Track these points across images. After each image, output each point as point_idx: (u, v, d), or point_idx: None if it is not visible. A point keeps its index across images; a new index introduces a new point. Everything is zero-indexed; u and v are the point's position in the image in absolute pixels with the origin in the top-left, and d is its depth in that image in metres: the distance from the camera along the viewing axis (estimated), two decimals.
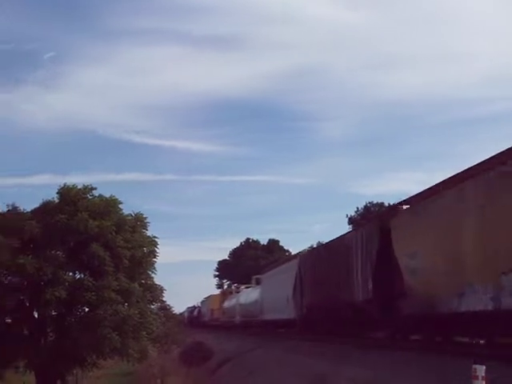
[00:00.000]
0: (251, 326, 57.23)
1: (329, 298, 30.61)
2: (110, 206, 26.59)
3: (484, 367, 9.38)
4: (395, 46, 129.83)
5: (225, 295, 79.47)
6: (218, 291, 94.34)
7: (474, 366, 9.41)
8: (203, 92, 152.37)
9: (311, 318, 34.86)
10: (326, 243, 37.17)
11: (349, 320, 28.52)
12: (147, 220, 27.82)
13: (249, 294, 61.24)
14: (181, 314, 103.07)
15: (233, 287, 78.53)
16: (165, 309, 31.86)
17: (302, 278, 36.68)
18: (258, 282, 59.79)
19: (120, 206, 27.10)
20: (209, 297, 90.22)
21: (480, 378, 9.31)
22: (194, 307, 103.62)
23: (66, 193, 26.38)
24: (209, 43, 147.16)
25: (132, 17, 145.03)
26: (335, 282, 29.39)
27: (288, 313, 40.23)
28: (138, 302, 25.91)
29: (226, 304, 74.35)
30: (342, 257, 28.83)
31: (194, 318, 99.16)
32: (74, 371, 28.50)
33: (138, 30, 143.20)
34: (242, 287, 71.09)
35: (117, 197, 27.17)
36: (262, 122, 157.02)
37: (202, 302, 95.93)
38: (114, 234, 25.65)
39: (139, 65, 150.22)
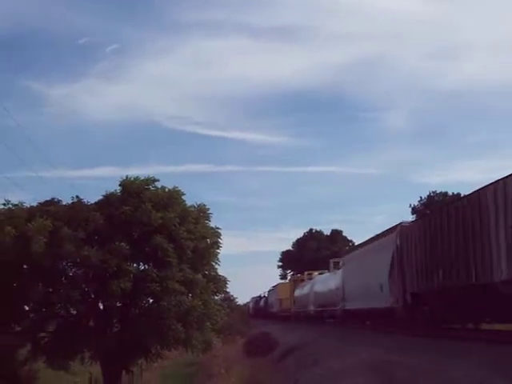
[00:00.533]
0: (331, 316, 51.89)
1: (449, 280, 24.41)
2: (173, 197, 26.61)
3: None
4: (457, 35, 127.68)
5: (296, 283, 73.12)
6: (281, 282, 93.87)
7: None
8: (267, 83, 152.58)
9: (418, 306, 29.00)
10: (443, 206, 30.30)
11: (481, 308, 22.78)
12: (210, 211, 27.83)
13: (326, 281, 55.10)
14: (245, 304, 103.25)
15: (305, 274, 70.74)
16: (228, 300, 31.91)
17: (404, 256, 30.75)
18: (336, 267, 53.82)
19: (183, 197, 27.10)
20: (277, 285, 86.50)
21: None
22: (260, 297, 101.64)
23: (128, 185, 26.48)
24: (272, 34, 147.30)
25: (196, 9, 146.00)
26: (459, 259, 23.27)
27: (381, 301, 33.96)
28: (201, 292, 25.92)
29: (298, 292, 68.72)
30: (471, 223, 22.33)
31: (261, 309, 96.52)
32: (139, 362, 28.71)
33: (201, 22, 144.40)
34: (316, 273, 65.70)
35: (180, 188, 27.17)
36: (325, 112, 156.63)
37: (270, 292, 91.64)
38: (177, 225, 25.67)
39: (203, 57, 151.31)
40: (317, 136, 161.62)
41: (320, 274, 63.34)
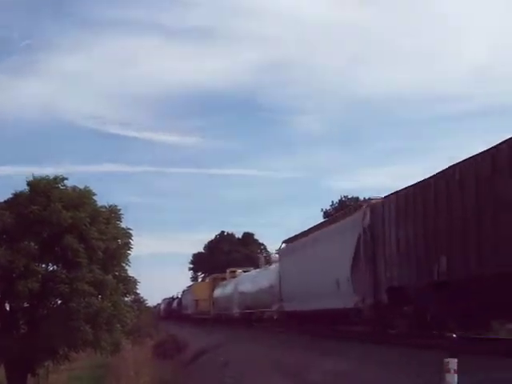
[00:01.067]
0: (261, 320, 46.36)
1: (459, 268, 18.17)
2: (83, 197, 26.30)
3: (456, 360, 9.38)
4: (375, 43, 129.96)
5: (215, 282, 66.42)
6: (191, 283, 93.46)
7: (446, 360, 9.41)
8: (182, 84, 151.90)
9: (398, 306, 22.69)
10: (440, 172, 19.80)
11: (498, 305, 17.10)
12: (122, 212, 27.61)
13: (254, 279, 48.46)
14: (155, 306, 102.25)
15: (227, 272, 63.79)
16: (138, 301, 31.72)
17: (379, 241, 23.85)
18: (269, 262, 48.75)
19: (94, 197, 26.82)
20: (192, 285, 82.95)
21: (452, 371, 9.32)
22: (173, 298, 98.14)
23: (35, 184, 26.02)
24: (188, 35, 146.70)
25: (113, 6, 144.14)
26: (475, 238, 17.13)
27: (338, 300, 27.61)
28: (111, 294, 25.69)
29: (218, 293, 62.44)
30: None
31: (174, 311, 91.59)
32: (46, 364, 28.20)
33: (118, 20, 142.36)
34: (239, 271, 60.10)
35: (91, 188, 26.89)
36: (240, 114, 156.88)
37: (184, 292, 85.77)
38: (88, 225, 25.38)
39: (119, 55, 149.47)
40: (232, 138, 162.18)
41: (245, 271, 57.99)
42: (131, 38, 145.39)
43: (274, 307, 40.21)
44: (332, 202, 75.47)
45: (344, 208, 63.46)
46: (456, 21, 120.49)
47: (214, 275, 70.31)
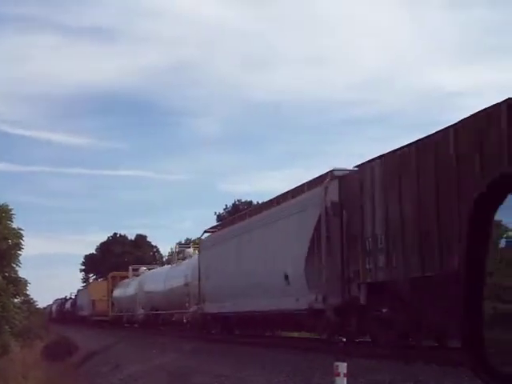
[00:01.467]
0: (170, 323, 40.82)
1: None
2: None
3: (346, 364, 9.74)
4: (273, 46, 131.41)
5: (114, 281, 60.34)
6: (82, 285, 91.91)
7: (336, 363, 9.76)
8: (78, 84, 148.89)
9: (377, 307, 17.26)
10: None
11: None
12: (13, 212, 27.29)
13: (164, 276, 42.12)
14: (45, 308, 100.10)
15: (130, 269, 57.98)
16: (28, 303, 31.36)
17: (352, 222, 18.21)
18: (186, 256, 41.38)
19: None
20: (89, 284, 78.67)
21: (342, 374, 9.64)
22: (65, 299, 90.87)
23: None
24: (86, 34, 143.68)
25: (10, 2, 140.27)
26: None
27: (285, 299, 21.52)
28: (0, 295, 25.39)
29: (118, 292, 56.35)
30: None
31: (67, 312, 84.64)
32: None
33: (15, 16, 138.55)
34: (143, 268, 55.81)
35: None
36: (136, 115, 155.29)
37: (79, 292, 79.37)
38: None
39: (14, 52, 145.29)
40: (127, 139, 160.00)
41: (149, 269, 54.33)
42: (25, 35, 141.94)
43: (192, 308, 33.72)
44: (226, 205, 76.05)
45: (238, 211, 64.33)
46: (350, 27, 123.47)
47: (114, 273, 63.35)
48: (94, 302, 65.65)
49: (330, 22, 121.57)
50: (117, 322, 56.63)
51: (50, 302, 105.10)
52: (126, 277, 57.40)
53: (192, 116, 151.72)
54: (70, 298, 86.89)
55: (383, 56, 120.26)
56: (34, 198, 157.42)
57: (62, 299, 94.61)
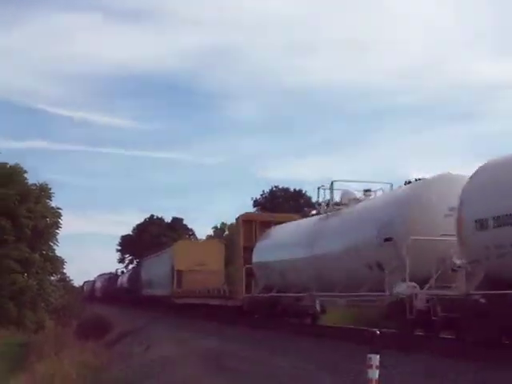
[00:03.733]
0: None
1: None
2: (13, 174, 26.11)
3: (378, 356, 9.70)
4: (315, 33, 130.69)
5: (249, 229, 27.83)
6: (119, 265, 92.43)
7: (369, 355, 9.73)
8: (117, 64, 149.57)
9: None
10: None
11: None
12: (52, 191, 27.50)
13: None
14: (82, 286, 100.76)
15: None
16: (64, 281, 31.66)
17: None
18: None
19: (25, 175, 26.66)
20: (174, 245, 45.74)
21: (374, 366, 9.61)
22: (115, 274, 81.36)
23: None
24: (126, 16, 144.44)
25: None
26: None
27: None
28: (37, 272, 25.67)
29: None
30: None
31: (121, 291, 68.11)
32: None
33: None
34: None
35: (21, 165, 26.68)
36: (175, 98, 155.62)
37: (144, 262, 58.39)
38: (17, 203, 25.24)
39: (53, 31, 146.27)
40: (164, 121, 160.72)
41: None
42: (67, 14, 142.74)
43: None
44: (263, 191, 75.92)
45: (275, 198, 63.91)
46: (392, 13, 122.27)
47: (247, 214, 33.24)
48: (180, 274, 41.47)
49: (371, 7, 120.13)
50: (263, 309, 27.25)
51: (91, 279, 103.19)
52: (272, 222, 29.38)
53: (231, 100, 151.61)
54: (122, 271, 77.72)
55: (425, 43, 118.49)
56: (72, 177, 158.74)
57: (109, 274, 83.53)
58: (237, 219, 31.60)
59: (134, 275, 61.19)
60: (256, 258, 26.86)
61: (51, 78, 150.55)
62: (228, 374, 15.60)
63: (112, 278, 77.64)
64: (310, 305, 24.18)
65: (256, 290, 26.40)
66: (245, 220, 30.04)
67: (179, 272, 41.03)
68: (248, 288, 26.75)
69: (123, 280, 68.02)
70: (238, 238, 29.72)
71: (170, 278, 41.54)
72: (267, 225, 28.79)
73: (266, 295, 25.45)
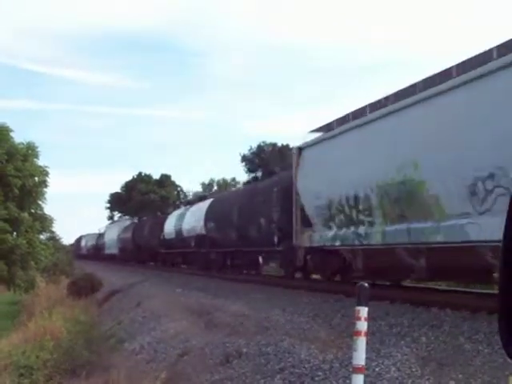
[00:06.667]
0: None
1: None
2: (0, 133, 25.97)
3: (367, 308, 9.80)
4: None
5: None
6: (108, 223, 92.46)
7: (358, 308, 9.84)
8: (100, 22, 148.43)
9: None
10: None
11: None
12: (39, 149, 27.38)
13: None
14: (72, 245, 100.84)
15: None
16: (54, 239, 31.70)
17: None
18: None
19: (11, 134, 26.51)
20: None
21: (363, 319, 9.71)
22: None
23: None
24: None
25: None
26: None
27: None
28: (26, 231, 25.65)
29: None
30: None
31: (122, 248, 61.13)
32: None
33: None
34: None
35: (7, 124, 26.52)
36: (156, 54, 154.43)
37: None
38: (4, 162, 25.14)
39: None
40: (148, 78, 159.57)
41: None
42: None
43: None
44: (250, 146, 75.76)
45: (263, 153, 63.80)
46: None
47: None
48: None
49: None
50: None
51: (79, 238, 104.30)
52: None
53: (212, 57, 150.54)
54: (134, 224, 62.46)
55: None
56: (59, 136, 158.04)
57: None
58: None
59: (135, 229, 55.04)
60: None
61: (36, 37, 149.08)
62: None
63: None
64: None
65: None
66: None
67: None
68: None
69: (127, 234, 57.74)
70: None
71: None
72: None
73: None
